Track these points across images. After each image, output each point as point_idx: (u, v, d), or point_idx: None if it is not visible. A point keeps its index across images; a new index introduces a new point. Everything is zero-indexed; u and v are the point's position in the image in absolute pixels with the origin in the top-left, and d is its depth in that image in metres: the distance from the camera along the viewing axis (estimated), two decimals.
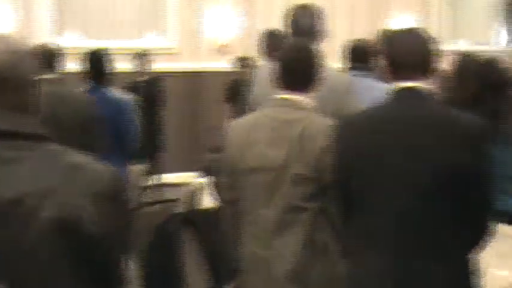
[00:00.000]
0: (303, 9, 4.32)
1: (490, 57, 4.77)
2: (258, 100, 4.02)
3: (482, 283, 3.43)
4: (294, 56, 3.54)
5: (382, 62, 3.06)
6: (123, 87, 8.74)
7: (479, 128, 2.84)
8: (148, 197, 8.44)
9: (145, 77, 9.89)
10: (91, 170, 1.87)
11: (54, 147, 1.90)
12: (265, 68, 3.93)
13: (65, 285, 1.82)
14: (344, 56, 5.53)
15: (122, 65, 9.56)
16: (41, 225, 1.78)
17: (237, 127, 3.63)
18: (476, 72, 4.56)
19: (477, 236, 2.93)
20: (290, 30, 4.28)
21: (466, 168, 2.78)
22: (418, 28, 3.12)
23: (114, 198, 1.88)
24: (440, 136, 2.81)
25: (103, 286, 1.88)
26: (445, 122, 2.85)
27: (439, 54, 2.99)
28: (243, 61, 10.03)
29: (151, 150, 9.65)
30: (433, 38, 3.01)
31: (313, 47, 3.66)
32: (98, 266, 1.85)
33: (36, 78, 1.93)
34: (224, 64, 10.80)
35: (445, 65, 6.81)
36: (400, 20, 12.83)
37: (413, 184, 2.82)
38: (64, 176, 1.83)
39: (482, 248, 2.98)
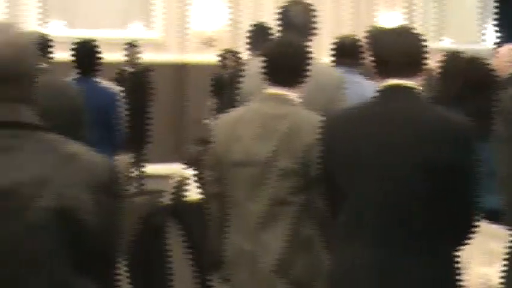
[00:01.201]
0: (296, 4, 4.31)
1: (475, 56, 4.81)
2: (248, 94, 4.03)
3: (464, 280, 3.48)
4: (282, 51, 3.54)
5: (369, 59, 3.09)
6: (111, 78, 8.76)
7: (464, 126, 2.88)
8: (133, 188, 8.45)
9: (133, 68, 9.88)
10: (88, 160, 1.88)
11: (50, 136, 1.90)
12: (255, 62, 3.95)
13: (61, 276, 1.81)
14: (331, 52, 5.55)
15: (107, 55, 9.57)
16: (37, 214, 1.77)
17: (224, 121, 3.64)
18: (461, 71, 4.59)
19: (462, 233, 2.97)
20: (282, 24, 4.27)
21: (450, 165, 2.81)
22: (407, 26, 3.15)
23: (110, 188, 1.88)
24: (426, 133, 2.84)
25: (98, 276, 1.88)
26: (430, 120, 2.88)
27: (426, 52, 3.01)
28: (230, 54, 10.03)
29: (137, 141, 9.66)
30: (421, 36, 3.05)
31: (303, 42, 3.68)
32: (93, 256, 1.85)
33: (35, 71, 1.94)
34: (210, 56, 10.80)
35: (430, 63, 6.86)
36: (385, 17, 12.87)
37: (398, 180, 2.85)
38: (61, 165, 1.83)
39: (466, 245, 3.03)
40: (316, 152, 3.20)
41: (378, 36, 3.10)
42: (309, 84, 3.65)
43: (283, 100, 3.50)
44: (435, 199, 2.84)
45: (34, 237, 1.78)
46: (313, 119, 3.38)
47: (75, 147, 1.91)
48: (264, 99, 3.56)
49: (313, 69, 3.71)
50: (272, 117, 3.48)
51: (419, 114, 2.90)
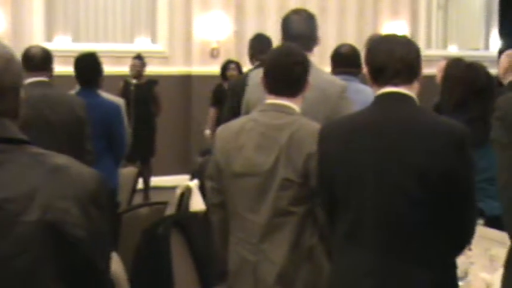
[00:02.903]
0: (297, 13, 4.29)
1: (474, 62, 4.79)
2: (251, 105, 4.00)
3: (465, 286, 3.48)
4: (281, 60, 3.52)
5: (365, 67, 3.08)
6: (117, 91, 8.80)
7: (459, 132, 2.85)
8: (138, 200, 8.46)
9: (139, 81, 9.90)
10: (75, 172, 1.84)
11: (36, 150, 1.86)
12: (258, 72, 3.94)
13: None
14: (332, 60, 5.55)
15: (114, 69, 9.62)
16: (24, 229, 1.74)
17: (225, 131, 3.62)
18: (461, 77, 4.58)
19: (460, 239, 2.96)
20: (284, 34, 4.24)
21: (446, 171, 2.80)
22: (401, 34, 3.14)
23: (98, 200, 1.85)
24: (421, 141, 2.83)
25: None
26: (426, 127, 2.87)
27: (421, 59, 3.00)
28: (232, 64, 10.06)
29: (143, 153, 9.68)
30: (416, 44, 3.04)
31: (304, 51, 3.65)
32: (82, 268, 1.82)
33: (20, 84, 1.90)
34: (216, 67, 10.83)
35: (434, 70, 6.86)
36: (390, 26, 12.85)
37: (395, 188, 2.84)
38: (46, 178, 1.80)
39: (465, 251, 3.02)
40: (316, 162, 3.19)
41: (372, 44, 3.09)
42: (312, 94, 3.63)
43: (283, 110, 3.49)
44: (433, 206, 2.83)
45: (22, 251, 1.75)
46: (313, 128, 3.35)
47: (62, 159, 1.87)
48: (264, 109, 3.55)
49: (316, 79, 3.69)
50: (272, 127, 3.47)
51: (414, 121, 2.89)
